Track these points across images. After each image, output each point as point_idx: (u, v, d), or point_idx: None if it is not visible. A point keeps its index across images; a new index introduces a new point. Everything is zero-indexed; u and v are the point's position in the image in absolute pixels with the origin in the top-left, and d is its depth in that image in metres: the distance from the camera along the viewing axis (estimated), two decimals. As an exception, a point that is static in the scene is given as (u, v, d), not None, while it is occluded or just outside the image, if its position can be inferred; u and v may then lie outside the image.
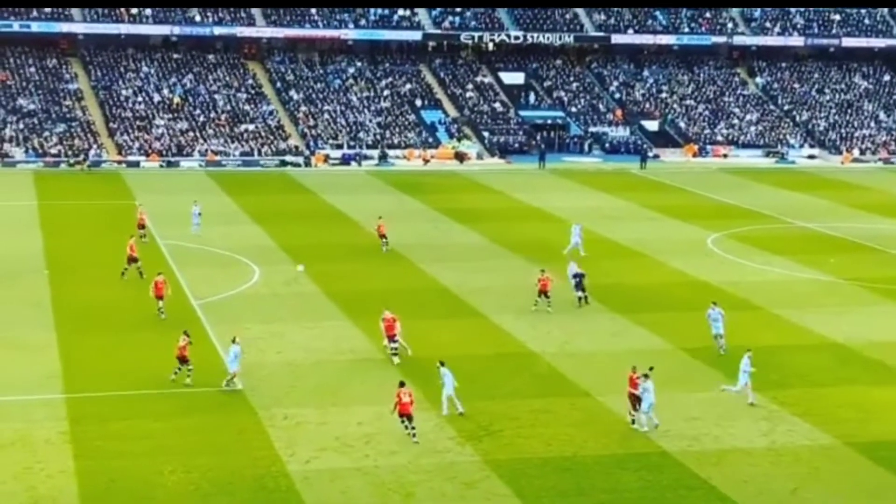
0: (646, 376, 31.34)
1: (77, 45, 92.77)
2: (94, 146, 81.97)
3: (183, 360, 34.20)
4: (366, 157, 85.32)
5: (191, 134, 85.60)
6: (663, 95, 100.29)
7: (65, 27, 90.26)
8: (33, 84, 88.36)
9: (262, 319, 41.31)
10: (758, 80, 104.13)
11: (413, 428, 30.07)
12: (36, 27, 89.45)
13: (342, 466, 28.44)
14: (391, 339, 36.95)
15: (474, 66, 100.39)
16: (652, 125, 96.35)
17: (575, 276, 44.66)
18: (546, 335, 40.36)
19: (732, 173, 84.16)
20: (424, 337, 39.59)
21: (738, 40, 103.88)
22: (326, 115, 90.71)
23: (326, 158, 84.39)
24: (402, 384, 30.71)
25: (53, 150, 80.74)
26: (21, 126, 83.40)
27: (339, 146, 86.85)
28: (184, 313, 42.03)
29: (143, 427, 30.80)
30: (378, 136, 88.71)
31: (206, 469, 27.97)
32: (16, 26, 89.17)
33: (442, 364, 32.58)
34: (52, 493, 26.50)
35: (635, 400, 31.34)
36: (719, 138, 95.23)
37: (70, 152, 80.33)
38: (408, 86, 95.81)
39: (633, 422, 31.43)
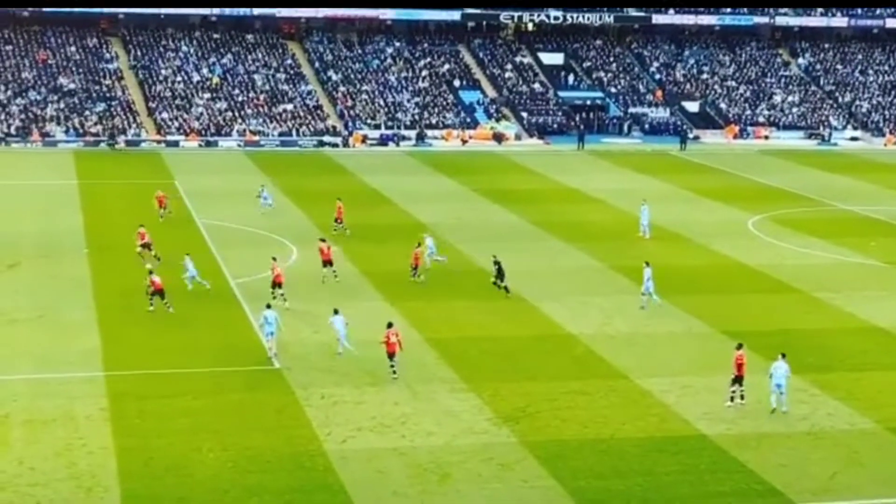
0: (783, 355, 31.45)
1: (117, 25, 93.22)
2: (134, 125, 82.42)
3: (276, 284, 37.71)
4: (404, 138, 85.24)
5: (229, 114, 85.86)
6: (704, 76, 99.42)
7: (105, 7, 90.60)
8: (74, 63, 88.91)
9: (300, 299, 41.39)
10: (800, 60, 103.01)
11: (393, 366, 33.00)
12: (77, 7, 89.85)
13: (379, 446, 28.46)
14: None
15: (513, 46, 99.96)
16: (692, 106, 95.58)
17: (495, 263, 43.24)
18: (584, 317, 40.18)
19: (774, 155, 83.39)
20: (462, 318, 39.53)
21: (781, 21, 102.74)
22: (365, 96, 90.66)
23: (364, 139, 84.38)
24: (390, 325, 33.44)
25: (93, 130, 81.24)
26: (62, 105, 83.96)
27: (377, 127, 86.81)
28: (222, 293, 42.22)
29: (182, 405, 30.98)
30: (416, 117, 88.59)
31: (243, 447, 28.09)
32: (57, 6, 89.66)
33: (336, 312, 35.30)
34: (92, 470, 26.71)
35: (738, 379, 31.29)
36: (760, 120, 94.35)
37: (106, 132, 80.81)
38: (446, 66, 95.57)
39: (732, 399, 31.34)
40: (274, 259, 42.23)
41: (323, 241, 45.73)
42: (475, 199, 62.83)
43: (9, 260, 46.51)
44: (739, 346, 32.22)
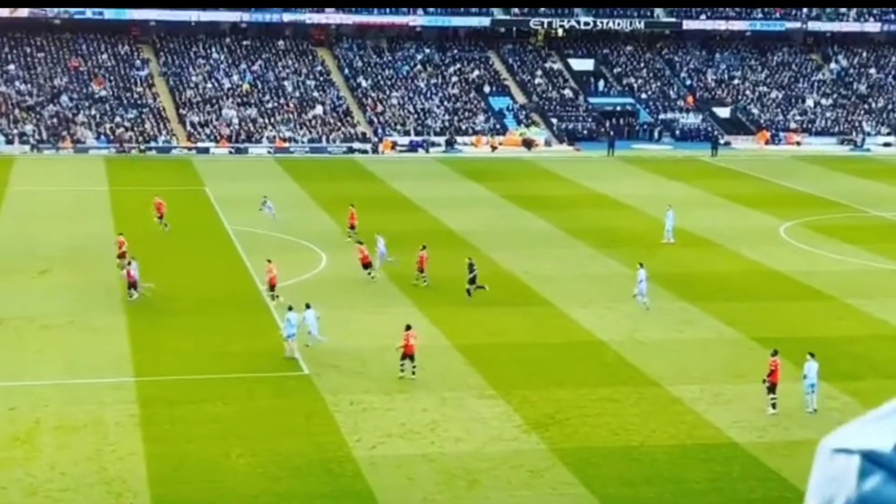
0: (811, 354, 31.60)
1: (148, 32, 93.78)
2: (164, 132, 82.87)
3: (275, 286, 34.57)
4: (433, 144, 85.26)
5: (260, 120, 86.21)
6: (735, 81, 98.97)
7: (136, 14, 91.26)
8: (105, 70, 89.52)
9: (329, 305, 41.42)
10: (832, 65, 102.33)
11: (414, 367, 33.47)
12: (108, 14, 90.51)
13: (408, 453, 28.41)
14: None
15: (543, 52, 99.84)
16: (723, 112, 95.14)
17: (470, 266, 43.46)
18: (614, 324, 39.99)
19: (806, 161, 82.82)
20: (491, 324, 39.44)
21: (813, 26, 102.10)
22: (394, 102, 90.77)
23: (394, 145, 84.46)
24: (408, 327, 34.16)
25: (125, 136, 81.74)
26: (93, 112, 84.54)
27: (407, 133, 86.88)
28: (251, 299, 42.32)
29: (211, 410, 31.04)
30: (446, 123, 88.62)
31: (273, 453, 28.10)
32: (88, 13, 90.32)
33: (308, 306, 36.24)
34: (122, 475, 26.80)
35: (773, 386, 31.18)
36: (792, 125, 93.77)
37: (140, 138, 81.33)
38: (476, 72, 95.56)
39: (773, 406, 31.25)
40: (269, 261, 42.84)
41: (360, 243, 46.76)
42: (504, 206, 62.73)
43: (40, 266, 46.81)
44: (774, 353, 31.99)
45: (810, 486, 2.29)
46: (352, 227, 52.91)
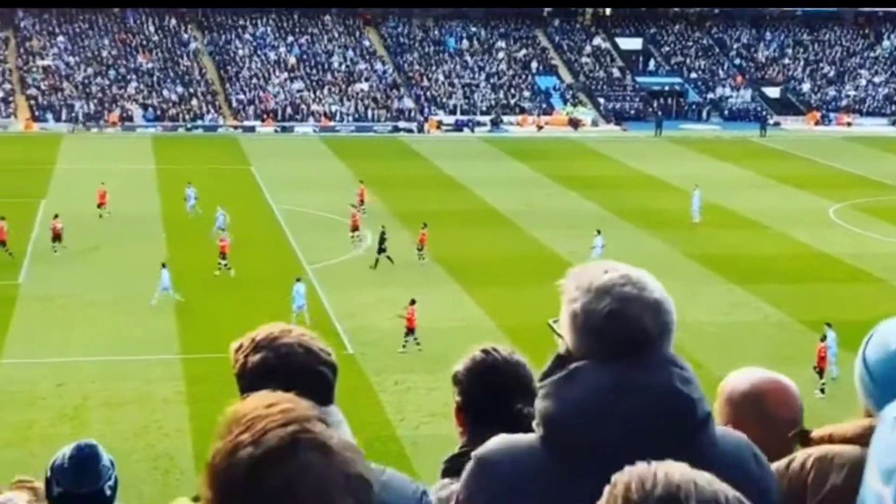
0: (828, 325, 32.19)
1: (195, 6, 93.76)
2: (211, 110, 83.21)
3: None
4: (479, 124, 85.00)
5: (305, 94, 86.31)
6: (786, 61, 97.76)
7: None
8: (152, 44, 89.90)
9: (374, 284, 41.47)
10: (885, 44, 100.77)
11: (417, 340, 34.31)
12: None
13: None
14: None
15: (591, 30, 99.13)
16: (773, 92, 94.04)
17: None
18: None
19: (856, 142, 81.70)
20: (536, 305, 39.24)
21: (865, 9, 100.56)
22: (440, 80, 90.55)
23: (439, 125, 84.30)
24: (413, 302, 34.95)
25: (171, 112, 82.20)
26: (141, 86, 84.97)
27: (453, 112, 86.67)
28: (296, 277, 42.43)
29: (257, 389, 31.15)
30: (492, 102, 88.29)
31: (317, 432, 28.17)
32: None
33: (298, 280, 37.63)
34: (169, 451, 27.02)
35: (821, 371, 31.24)
36: (843, 105, 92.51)
37: (187, 115, 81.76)
38: (523, 51, 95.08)
39: (822, 391, 31.19)
40: (222, 230, 44.62)
41: (354, 206, 49.16)
42: (549, 186, 62.44)
43: (89, 243, 47.21)
44: (823, 339, 31.74)
45: (871, 454, 2.24)
46: (360, 202, 53.51)
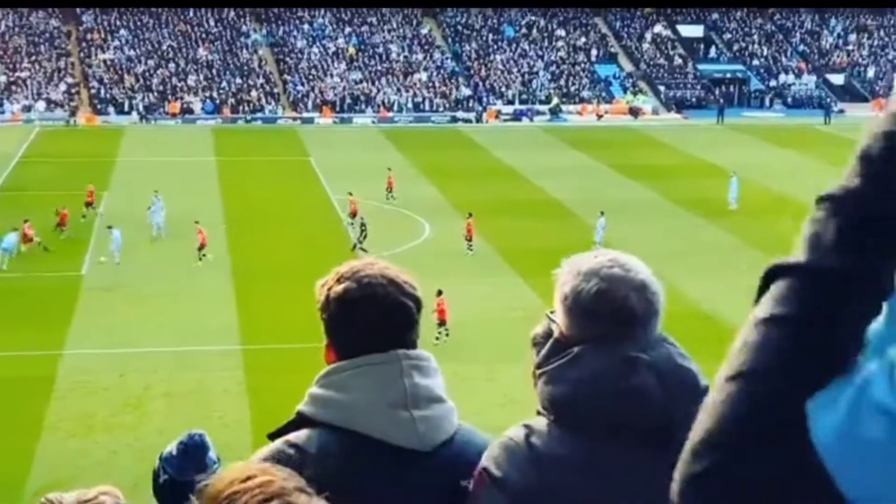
0: None
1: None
2: (271, 101, 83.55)
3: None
4: (538, 113, 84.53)
5: (364, 84, 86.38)
6: (850, 48, 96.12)
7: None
8: (212, 36, 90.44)
9: (433, 275, 41.25)
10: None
11: (447, 332, 34.21)
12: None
13: (508, 424, 28.12)
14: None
15: (651, 18, 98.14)
16: (837, 79, 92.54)
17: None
18: (722, 296, 39.09)
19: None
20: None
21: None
22: (500, 68, 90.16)
23: (498, 114, 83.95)
24: (440, 293, 34.26)
25: (230, 103, 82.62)
26: (200, 77, 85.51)
27: (511, 101, 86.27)
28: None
29: (316, 380, 31.15)
30: (551, 91, 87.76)
31: (376, 423, 28.10)
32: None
33: None
34: (228, 442, 26.81)
35: None
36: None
37: (246, 107, 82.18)
38: (582, 38, 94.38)
39: None
40: (196, 223, 44.21)
41: (350, 194, 49.51)
42: (610, 175, 61.89)
43: (150, 235, 47.56)
44: None
45: None
46: (389, 189, 54.05)
